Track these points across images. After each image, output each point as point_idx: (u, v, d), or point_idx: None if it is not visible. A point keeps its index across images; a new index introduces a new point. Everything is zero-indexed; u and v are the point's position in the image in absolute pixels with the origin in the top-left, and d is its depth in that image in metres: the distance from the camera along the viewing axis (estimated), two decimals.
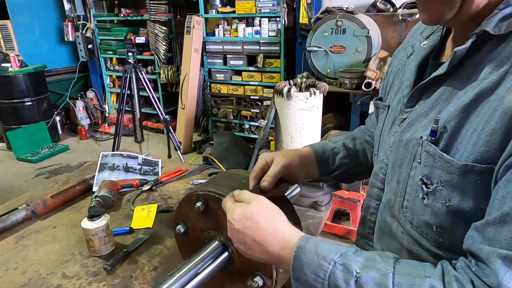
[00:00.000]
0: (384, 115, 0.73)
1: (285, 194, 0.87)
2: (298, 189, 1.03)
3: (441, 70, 0.55)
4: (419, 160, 0.56)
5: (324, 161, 0.85)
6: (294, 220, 0.78)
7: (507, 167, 0.44)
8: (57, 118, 4.89)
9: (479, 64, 0.51)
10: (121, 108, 3.38)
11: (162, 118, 3.17)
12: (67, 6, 4.92)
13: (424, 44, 0.65)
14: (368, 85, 2.83)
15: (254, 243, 0.58)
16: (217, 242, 0.74)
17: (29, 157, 4.16)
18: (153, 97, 3.36)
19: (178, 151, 3.35)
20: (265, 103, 4.17)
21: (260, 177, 0.75)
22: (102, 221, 1.04)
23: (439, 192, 0.52)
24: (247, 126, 4.39)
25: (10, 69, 4.18)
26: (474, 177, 0.48)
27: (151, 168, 1.60)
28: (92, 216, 1.03)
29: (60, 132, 4.97)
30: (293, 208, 0.79)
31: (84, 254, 1.06)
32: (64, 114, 5.21)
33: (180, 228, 0.80)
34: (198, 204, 0.73)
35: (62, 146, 4.52)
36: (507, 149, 0.44)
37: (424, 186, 0.54)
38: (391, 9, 3.42)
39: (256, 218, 0.59)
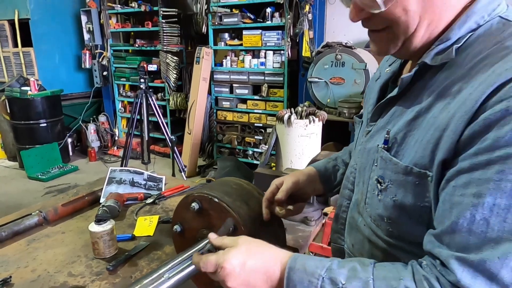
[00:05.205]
0: (358, 128, 0.85)
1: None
2: None
3: (393, 93, 0.67)
4: (376, 164, 0.66)
5: (327, 178, 0.96)
6: (281, 231, 0.90)
7: (447, 180, 0.52)
8: (69, 140, 5.08)
9: (422, 88, 0.62)
10: (130, 132, 3.55)
11: (168, 139, 3.31)
12: (86, 36, 5.28)
13: (387, 70, 0.78)
14: None
15: (260, 275, 0.60)
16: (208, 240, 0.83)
17: (39, 176, 4.31)
18: (161, 121, 3.54)
19: (183, 173, 3.46)
20: (268, 130, 4.31)
21: (271, 200, 0.86)
22: (107, 226, 1.14)
23: (389, 189, 0.63)
24: (250, 152, 4.52)
25: (29, 92, 4.44)
26: (413, 178, 0.58)
27: (155, 183, 1.71)
28: (99, 220, 1.14)
29: (70, 153, 5.15)
30: (284, 231, 0.90)
31: (89, 256, 1.15)
32: (76, 136, 5.42)
33: (177, 227, 0.90)
34: (193, 204, 0.83)
35: (72, 167, 4.68)
36: (444, 164, 0.53)
37: (378, 185, 0.65)
38: None
39: (253, 251, 0.62)
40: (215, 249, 0.68)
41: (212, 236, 0.70)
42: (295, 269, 0.58)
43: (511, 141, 0.46)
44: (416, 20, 0.58)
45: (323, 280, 0.55)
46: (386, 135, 0.64)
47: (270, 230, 0.86)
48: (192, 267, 0.75)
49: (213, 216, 0.83)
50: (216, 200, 0.81)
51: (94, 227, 1.13)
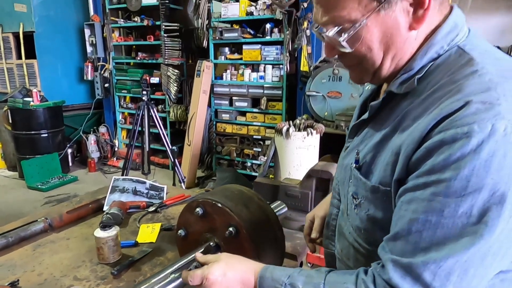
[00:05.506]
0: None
1: (275, 211, 1.02)
2: (285, 209, 1.18)
3: (365, 116, 0.74)
4: (351, 181, 0.74)
5: None
6: (281, 235, 0.94)
7: (398, 196, 0.60)
8: (69, 151, 5.12)
9: (389, 113, 0.69)
10: (132, 143, 3.60)
11: (169, 149, 3.37)
12: (89, 49, 5.39)
13: (368, 87, 0.84)
14: None
15: (238, 283, 0.70)
16: (211, 243, 0.88)
17: (39, 186, 4.33)
18: (162, 133, 3.60)
19: (182, 184, 3.50)
20: (267, 142, 4.38)
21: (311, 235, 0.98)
22: (112, 231, 1.19)
23: (362, 205, 0.70)
24: (249, 164, 4.57)
25: (32, 103, 4.51)
26: (380, 195, 0.65)
27: (157, 192, 1.76)
28: (104, 226, 1.18)
29: (70, 164, 5.18)
30: (283, 235, 0.96)
31: (93, 261, 1.19)
32: (76, 147, 5.46)
33: (181, 232, 0.95)
34: (198, 209, 0.89)
35: (72, 177, 4.71)
36: (399, 182, 0.60)
37: (354, 200, 0.72)
38: None
39: (232, 264, 0.72)
40: (201, 265, 0.77)
41: (198, 255, 0.80)
42: (265, 278, 0.68)
43: (443, 168, 0.53)
44: (380, 55, 0.65)
45: (285, 286, 0.65)
46: (356, 155, 0.72)
47: (270, 233, 0.91)
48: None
49: (216, 220, 0.88)
50: (219, 205, 0.86)
51: (99, 233, 1.17)
